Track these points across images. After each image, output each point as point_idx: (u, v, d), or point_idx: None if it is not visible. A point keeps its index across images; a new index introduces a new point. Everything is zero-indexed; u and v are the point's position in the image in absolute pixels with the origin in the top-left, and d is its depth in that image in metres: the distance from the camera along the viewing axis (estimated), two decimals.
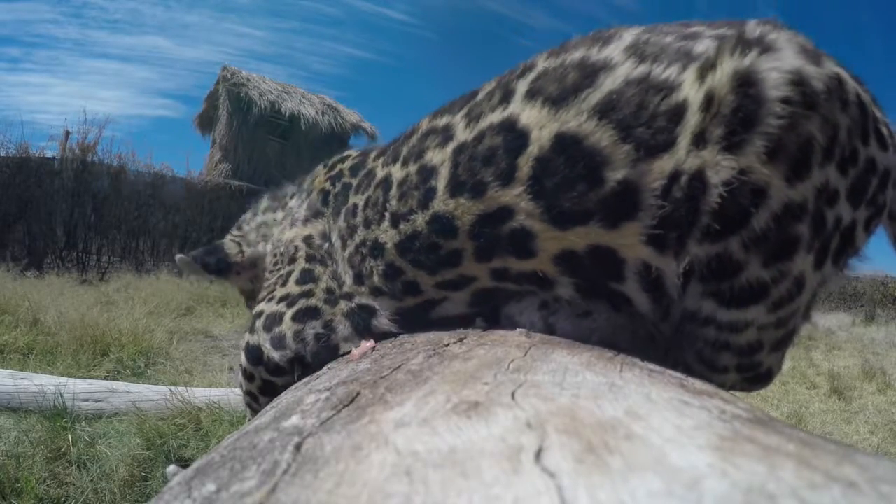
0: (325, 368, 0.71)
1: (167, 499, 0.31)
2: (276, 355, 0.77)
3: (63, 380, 2.55)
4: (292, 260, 0.86)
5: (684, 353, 0.61)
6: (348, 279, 0.78)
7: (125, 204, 8.65)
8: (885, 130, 0.58)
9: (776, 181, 0.48)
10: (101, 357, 3.23)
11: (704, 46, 0.53)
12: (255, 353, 0.80)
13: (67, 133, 8.28)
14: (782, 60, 0.48)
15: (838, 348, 5.79)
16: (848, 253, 0.59)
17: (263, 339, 0.79)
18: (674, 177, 0.51)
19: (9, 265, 6.56)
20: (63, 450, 1.98)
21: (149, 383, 2.80)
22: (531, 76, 0.59)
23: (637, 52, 0.54)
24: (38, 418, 2.20)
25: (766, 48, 0.49)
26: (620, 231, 0.54)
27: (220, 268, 1.04)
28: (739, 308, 0.53)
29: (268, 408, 0.59)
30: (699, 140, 0.50)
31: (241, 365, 0.85)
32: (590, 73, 0.54)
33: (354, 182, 0.82)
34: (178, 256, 1.06)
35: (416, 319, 0.71)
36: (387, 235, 0.69)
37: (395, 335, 0.72)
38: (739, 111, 0.48)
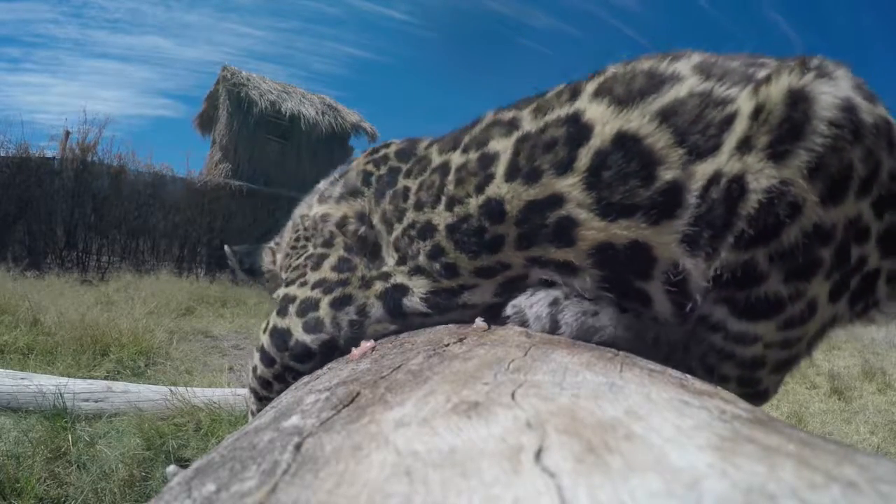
0: (325, 368, 0.71)
1: (167, 499, 0.31)
2: (308, 338, 0.77)
3: (63, 380, 2.55)
4: (327, 244, 0.85)
5: (688, 358, 0.62)
6: (391, 260, 0.78)
7: (125, 204, 8.64)
8: None
9: (812, 199, 0.49)
10: (100, 357, 3.23)
11: (765, 71, 0.54)
12: (282, 337, 0.79)
13: (67, 133, 8.28)
14: (837, 88, 0.49)
15: (838, 348, 5.78)
16: (867, 300, 0.59)
17: (294, 324, 0.78)
18: (713, 178, 0.53)
19: (9, 265, 6.57)
20: (63, 450, 1.98)
21: (149, 383, 2.79)
22: (600, 79, 0.61)
23: (704, 70, 0.56)
24: (38, 418, 2.20)
25: (823, 73, 0.50)
26: (660, 228, 0.56)
27: (252, 270, 1.10)
28: (750, 320, 0.54)
29: (268, 408, 0.59)
30: (744, 146, 0.52)
31: (259, 347, 0.83)
32: (657, 82, 0.57)
33: (404, 167, 0.82)
34: (227, 247, 1.13)
35: (444, 302, 0.73)
36: (440, 217, 0.70)
37: (423, 315, 0.74)
38: (787, 122, 0.49)
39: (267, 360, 0.81)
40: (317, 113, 11.03)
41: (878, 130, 0.50)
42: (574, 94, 0.62)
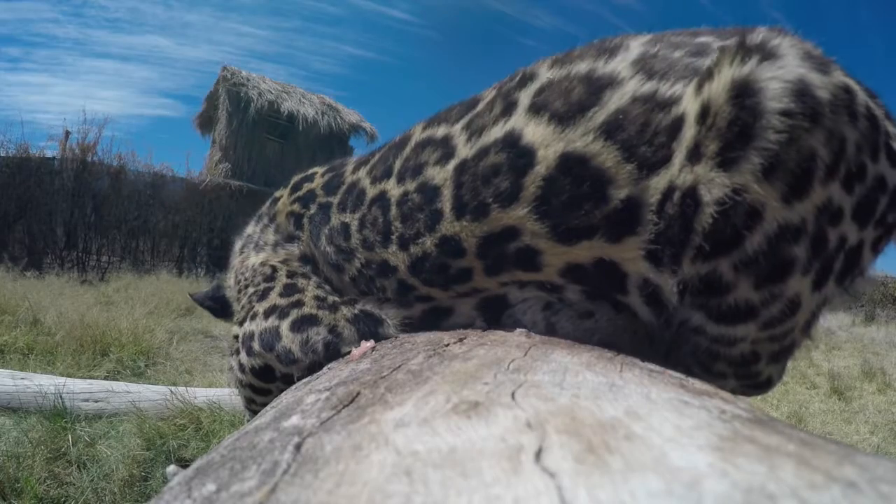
0: (325, 368, 0.71)
1: (167, 499, 0.31)
2: (288, 370, 0.73)
3: (63, 380, 2.55)
4: (269, 279, 0.79)
5: (685, 356, 0.61)
6: (354, 293, 0.75)
7: (125, 204, 8.65)
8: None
9: (772, 202, 0.45)
10: (100, 357, 3.23)
11: (710, 60, 0.50)
12: (266, 373, 0.75)
13: (67, 133, 8.29)
14: (785, 68, 0.45)
15: (838, 348, 5.78)
16: (853, 273, 0.57)
17: (270, 359, 0.73)
18: (667, 193, 0.50)
19: (9, 265, 6.56)
20: (63, 450, 1.98)
21: (149, 383, 2.80)
22: (534, 87, 0.57)
23: (645, 66, 0.52)
24: (38, 418, 2.20)
25: (767, 55, 0.46)
26: (623, 245, 0.53)
27: (226, 305, 1.03)
28: (728, 324, 0.52)
29: (268, 408, 0.59)
30: (694, 154, 0.48)
31: (245, 384, 0.78)
32: (596, 90, 0.53)
33: (335, 200, 0.77)
34: (190, 297, 1.12)
35: (423, 327, 0.70)
36: (397, 258, 0.67)
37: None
38: (735, 124, 0.46)
39: (262, 391, 0.78)
40: (316, 113, 11.03)
41: (837, 105, 0.45)
42: (508, 107, 0.58)
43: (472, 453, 0.26)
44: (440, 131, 0.65)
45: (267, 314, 0.75)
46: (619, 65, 0.53)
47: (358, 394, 0.42)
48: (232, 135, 10.89)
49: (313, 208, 0.81)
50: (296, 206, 0.84)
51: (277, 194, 0.93)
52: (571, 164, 0.53)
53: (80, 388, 2.50)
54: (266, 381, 0.76)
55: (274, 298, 0.76)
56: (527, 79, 0.59)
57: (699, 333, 0.55)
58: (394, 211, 0.67)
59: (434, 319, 0.70)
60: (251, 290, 0.81)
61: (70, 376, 2.71)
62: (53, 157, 8.22)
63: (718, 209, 0.47)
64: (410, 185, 0.65)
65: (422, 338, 0.65)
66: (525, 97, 0.57)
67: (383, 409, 0.35)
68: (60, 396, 2.32)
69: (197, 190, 9.51)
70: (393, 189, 0.67)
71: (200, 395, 2.51)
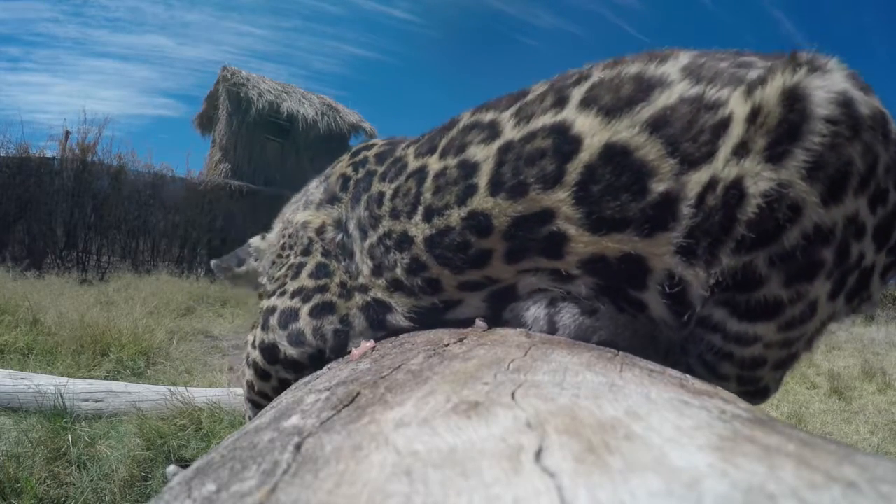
0: (325, 368, 0.71)
1: (167, 499, 0.31)
2: (294, 352, 0.76)
3: (63, 380, 2.55)
4: (306, 252, 0.84)
5: (687, 356, 0.62)
6: (365, 269, 0.76)
7: (125, 204, 8.65)
8: None
9: (812, 200, 0.48)
10: (101, 357, 3.23)
11: (757, 73, 0.53)
12: (271, 352, 0.79)
13: (67, 133, 8.29)
14: (831, 81, 0.48)
15: (838, 348, 5.78)
16: (862, 294, 0.59)
17: (280, 336, 0.77)
18: (709, 186, 0.52)
19: (9, 265, 6.56)
20: (63, 450, 1.98)
21: (149, 383, 2.80)
22: (587, 85, 0.59)
23: (693, 72, 0.55)
24: (38, 418, 2.20)
25: (816, 68, 0.49)
26: (654, 240, 0.54)
27: (243, 260, 1.08)
28: (751, 322, 0.53)
29: (268, 408, 0.59)
30: (741, 150, 0.50)
31: (251, 363, 0.82)
32: (645, 88, 0.55)
33: (380, 169, 0.79)
34: (213, 263, 1.11)
35: (429, 319, 0.71)
36: (417, 229, 0.67)
37: (409, 330, 0.73)
38: (785, 123, 0.48)
39: (262, 374, 0.81)
40: (316, 113, 11.04)
41: (875, 123, 0.49)
42: (560, 101, 0.60)
43: (472, 453, 0.26)
44: (488, 116, 0.66)
45: (294, 294, 0.79)
46: (669, 69, 0.56)
47: (358, 394, 0.42)
48: (232, 135, 10.90)
49: (361, 173, 0.83)
50: (349, 170, 0.86)
51: (339, 160, 0.96)
52: (615, 154, 0.54)
53: (80, 388, 2.50)
54: (269, 361, 0.79)
55: (304, 279, 0.80)
56: (582, 78, 0.60)
57: (716, 331, 0.56)
58: (428, 183, 0.67)
59: (439, 314, 0.70)
60: (289, 260, 0.85)
61: (70, 376, 2.71)
62: (53, 157, 8.22)
63: (763, 201, 0.49)
64: (451, 161, 0.66)
65: (422, 338, 0.65)
66: (577, 93, 0.59)
67: (383, 409, 0.35)
68: (60, 396, 2.32)
69: (197, 190, 9.51)
70: (434, 164, 0.68)
71: (200, 395, 2.51)
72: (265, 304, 0.84)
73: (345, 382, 0.48)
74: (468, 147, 0.65)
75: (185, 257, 9.09)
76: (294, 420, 0.39)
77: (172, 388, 2.52)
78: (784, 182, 0.48)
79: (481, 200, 0.61)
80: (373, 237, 0.75)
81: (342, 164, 0.90)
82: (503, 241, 0.61)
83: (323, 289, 0.78)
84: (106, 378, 2.88)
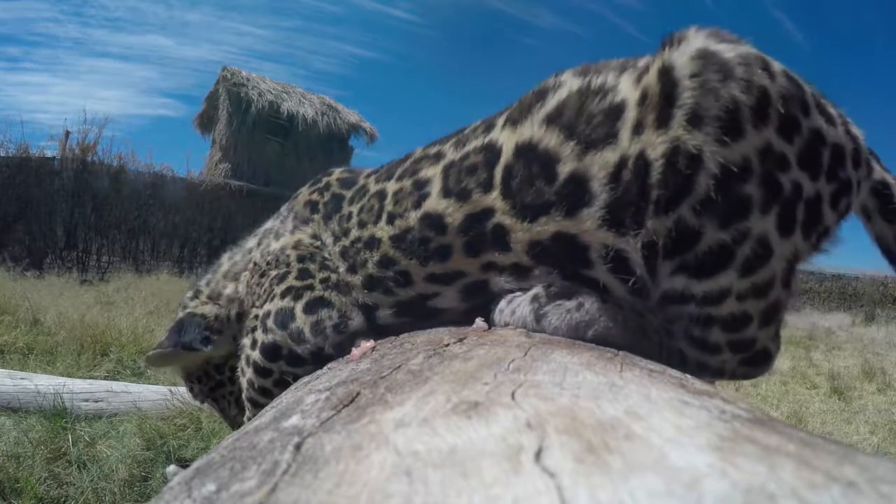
0: (325, 368, 0.71)
1: (167, 499, 0.31)
2: (297, 349, 0.80)
3: (63, 380, 2.55)
4: (286, 264, 0.88)
5: (676, 341, 0.62)
6: (342, 268, 0.83)
7: (125, 204, 8.65)
8: (832, 111, 0.61)
9: (708, 146, 0.53)
10: (101, 357, 3.23)
11: (644, 61, 0.60)
12: (272, 351, 0.82)
13: (67, 133, 8.29)
14: (689, 46, 0.56)
15: (838, 348, 5.79)
16: (818, 229, 0.60)
17: (280, 336, 0.81)
18: (621, 164, 0.58)
19: (9, 265, 6.56)
20: (63, 450, 1.98)
21: (149, 383, 2.80)
22: (508, 111, 0.70)
23: (582, 72, 0.64)
24: (38, 418, 2.20)
25: (678, 41, 0.57)
26: (577, 218, 0.61)
27: (204, 336, 0.96)
28: (710, 276, 0.56)
29: (268, 408, 0.59)
30: (639, 129, 0.57)
31: (251, 362, 0.85)
32: (542, 93, 0.65)
33: (347, 194, 0.89)
34: (148, 355, 0.98)
35: (415, 311, 0.77)
36: (382, 231, 0.77)
37: (400, 327, 0.77)
38: (663, 94, 0.56)
39: (263, 371, 0.83)
40: (316, 113, 11.04)
41: (748, 61, 0.54)
42: (489, 127, 0.71)
43: (472, 453, 0.26)
44: (434, 149, 0.78)
45: (283, 295, 0.83)
46: (564, 76, 0.66)
47: (358, 394, 0.42)
48: (232, 135, 10.90)
49: (327, 196, 0.93)
50: (314, 195, 0.95)
51: (297, 194, 1.03)
52: (523, 151, 0.64)
53: (81, 388, 2.50)
54: (271, 359, 0.82)
55: (290, 280, 0.85)
56: (509, 107, 0.71)
57: (686, 301, 0.58)
58: (389, 198, 0.79)
59: (421, 305, 0.76)
60: (273, 272, 0.89)
61: (70, 376, 2.72)
62: (53, 157, 8.22)
63: (663, 161, 0.55)
64: (406, 182, 0.77)
65: (422, 338, 0.65)
66: (500, 119, 0.70)
67: (383, 409, 0.35)
68: (60, 396, 2.32)
69: (197, 190, 9.51)
70: (392, 186, 0.80)
71: None
72: (255, 313, 0.87)
73: (345, 382, 0.48)
74: (420, 171, 0.76)
75: (185, 257, 9.10)
76: (294, 420, 0.39)
77: (172, 388, 2.52)
78: (674, 138, 0.54)
79: (434, 202, 0.72)
80: (344, 242, 0.84)
81: (304, 195, 0.97)
82: (459, 235, 0.70)
83: (309, 287, 0.83)
84: (106, 378, 2.88)
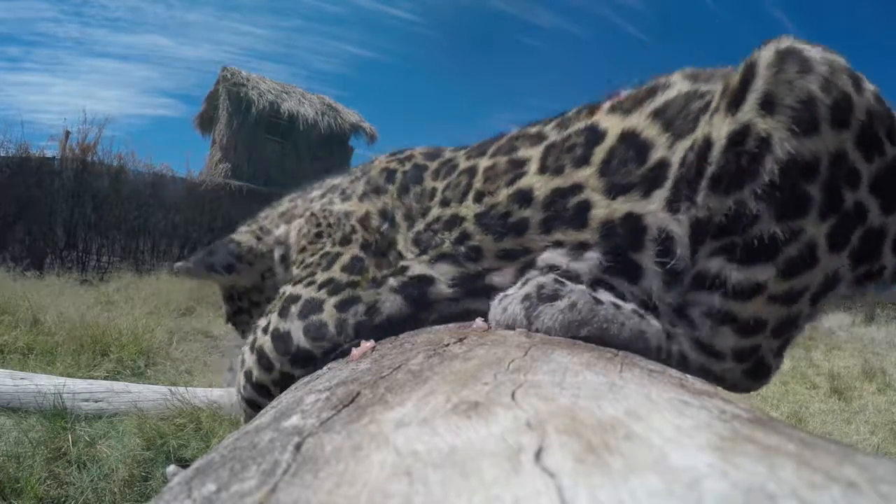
0: (324, 368, 0.71)
1: (167, 499, 0.31)
2: (310, 345, 0.76)
3: (63, 380, 2.55)
4: (345, 241, 0.84)
5: (679, 344, 0.62)
6: (410, 255, 0.81)
7: (125, 204, 8.64)
8: None
9: (778, 132, 0.52)
10: (101, 357, 3.23)
11: (738, 73, 0.60)
12: (284, 341, 0.77)
13: (67, 133, 8.29)
14: (778, 45, 0.56)
15: (838, 348, 5.78)
16: (872, 263, 0.59)
17: (296, 327, 0.77)
18: (691, 147, 0.61)
19: (9, 265, 6.56)
20: (63, 450, 1.98)
21: (149, 383, 2.80)
22: (615, 100, 0.73)
23: (692, 76, 0.68)
24: (38, 418, 2.20)
25: (770, 43, 0.57)
26: (650, 199, 0.64)
27: (229, 263, 1.00)
28: (749, 265, 0.55)
29: (267, 408, 0.59)
30: (713, 114, 0.59)
31: (257, 348, 0.80)
32: (653, 90, 0.69)
33: (431, 166, 0.87)
34: (177, 265, 1.02)
35: (470, 285, 0.76)
36: (468, 210, 0.77)
37: (451, 300, 0.77)
38: (740, 84, 0.56)
39: (265, 364, 0.79)
40: (316, 113, 11.03)
41: (833, 64, 0.53)
42: (592, 111, 0.74)
43: (472, 453, 0.26)
44: (534, 129, 0.79)
45: (322, 286, 0.80)
46: (674, 77, 0.69)
47: (358, 394, 0.42)
48: (232, 135, 10.90)
49: (408, 166, 0.90)
50: (392, 164, 0.92)
51: (373, 158, 1.00)
52: (627, 136, 0.68)
53: (81, 388, 2.50)
54: (279, 351, 0.78)
55: (336, 271, 0.81)
56: (611, 96, 0.74)
57: (714, 287, 0.58)
58: (479, 175, 0.79)
59: (477, 280, 0.76)
60: (324, 248, 0.86)
61: (70, 376, 2.71)
62: (53, 157, 8.22)
63: (727, 142, 0.56)
64: (501, 159, 0.78)
65: (422, 338, 0.65)
66: (606, 105, 0.73)
67: (383, 409, 0.35)
68: (60, 396, 2.32)
69: (197, 190, 9.51)
70: (484, 162, 0.80)
71: (200, 395, 2.51)
72: (288, 289, 0.82)
73: (345, 382, 0.48)
74: (517, 150, 0.78)
75: (185, 257, 9.09)
76: (294, 420, 0.39)
77: (172, 388, 2.52)
78: (743, 121, 0.55)
79: (528, 180, 0.73)
80: (420, 225, 0.82)
81: (382, 161, 0.94)
82: (541, 210, 0.71)
83: (353, 284, 0.79)
84: (106, 378, 2.88)
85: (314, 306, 0.77)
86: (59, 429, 2.12)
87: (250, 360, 0.82)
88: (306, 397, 0.46)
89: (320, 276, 0.81)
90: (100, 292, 5.51)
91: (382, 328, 0.76)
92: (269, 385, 0.80)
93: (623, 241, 0.66)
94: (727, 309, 0.58)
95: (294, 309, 0.78)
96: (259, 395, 0.82)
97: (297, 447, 0.32)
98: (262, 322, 0.83)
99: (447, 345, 0.56)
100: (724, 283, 0.57)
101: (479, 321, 0.70)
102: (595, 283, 0.67)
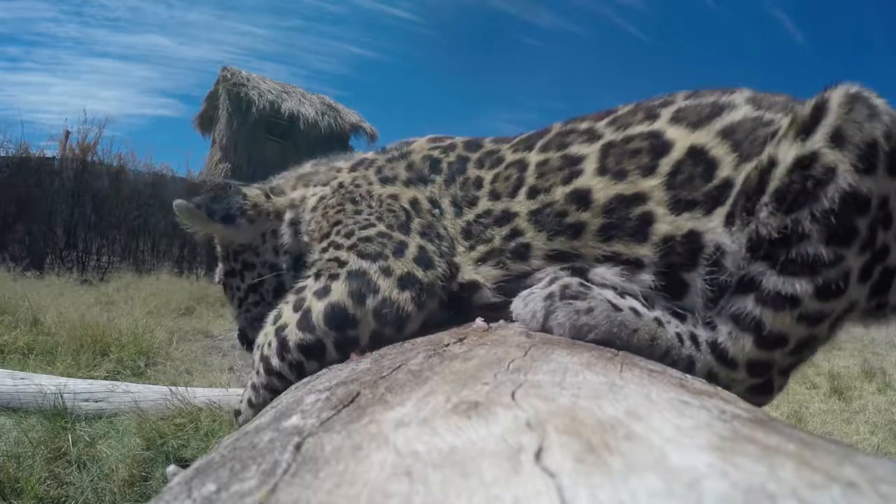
0: (324, 369, 0.71)
1: (167, 499, 0.31)
2: (373, 324, 0.71)
3: (63, 380, 2.55)
4: (404, 228, 0.80)
5: (689, 349, 0.64)
6: (460, 248, 0.80)
7: (125, 204, 8.64)
8: None
9: (844, 165, 0.56)
10: (101, 357, 3.23)
11: (808, 107, 0.64)
12: (338, 315, 0.71)
13: (67, 133, 8.29)
14: (849, 89, 0.60)
15: (838, 348, 5.77)
16: (881, 298, 0.64)
17: (355, 302, 0.71)
18: (755, 167, 0.64)
19: (9, 265, 6.56)
20: (63, 450, 1.98)
21: (149, 383, 2.79)
22: (673, 108, 0.74)
23: (755, 102, 0.70)
24: (38, 418, 2.20)
25: (840, 85, 0.61)
26: (712, 217, 0.66)
27: (230, 214, 0.94)
28: (790, 275, 0.58)
29: (267, 408, 0.59)
30: (780, 140, 0.62)
31: (306, 312, 0.73)
32: (719, 109, 0.71)
33: (474, 156, 0.88)
34: (177, 202, 0.94)
35: (513, 288, 0.74)
36: (521, 206, 0.77)
37: (491, 308, 0.75)
38: (810, 116, 0.60)
39: (310, 343, 0.72)
40: (316, 113, 11.04)
41: (894, 117, 0.57)
42: (651, 116, 0.75)
43: (472, 453, 0.26)
44: (583, 125, 0.79)
45: (387, 273, 0.74)
46: (737, 98, 0.71)
47: (358, 394, 0.42)
48: (232, 135, 10.90)
49: (452, 157, 0.90)
50: (436, 152, 0.91)
51: (410, 140, 0.98)
52: (695, 152, 0.69)
53: (81, 388, 2.50)
54: (332, 324, 0.71)
55: (409, 262, 0.76)
56: (666, 103, 0.76)
57: (750, 291, 0.61)
58: (531, 170, 0.79)
59: (519, 281, 0.74)
60: (376, 227, 0.80)
61: (70, 376, 2.71)
62: (53, 157, 8.22)
63: (794, 164, 0.59)
64: (553, 154, 0.78)
65: (422, 337, 0.65)
66: (666, 112, 0.74)
67: (383, 409, 0.35)
68: (61, 396, 2.32)
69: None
70: (534, 157, 0.80)
71: (200, 395, 2.51)
72: (338, 254, 0.77)
73: (345, 382, 0.48)
74: (570, 146, 0.78)
75: (185, 257, 9.08)
76: (294, 420, 0.39)
77: (172, 388, 2.52)
78: (813, 149, 0.58)
79: (586, 180, 0.73)
80: (469, 215, 0.82)
81: (423, 147, 0.93)
82: (601, 216, 0.71)
83: (430, 264, 0.76)
84: (106, 378, 2.88)
85: (371, 282, 0.72)
86: (59, 429, 2.12)
87: (273, 343, 0.76)
88: (306, 397, 0.46)
89: (395, 266, 0.74)
90: (100, 292, 5.51)
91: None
92: (287, 373, 0.75)
93: (679, 259, 0.67)
94: (757, 315, 0.60)
95: (356, 284, 0.72)
96: (274, 378, 0.76)
97: (297, 447, 0.32)
98: (317, 285, 0.76)
99: (447, 345, 0.56)
100: (761, 286, 0.60)
101: (479, 321, 0.70)
102: (626, 293, 0.68)
